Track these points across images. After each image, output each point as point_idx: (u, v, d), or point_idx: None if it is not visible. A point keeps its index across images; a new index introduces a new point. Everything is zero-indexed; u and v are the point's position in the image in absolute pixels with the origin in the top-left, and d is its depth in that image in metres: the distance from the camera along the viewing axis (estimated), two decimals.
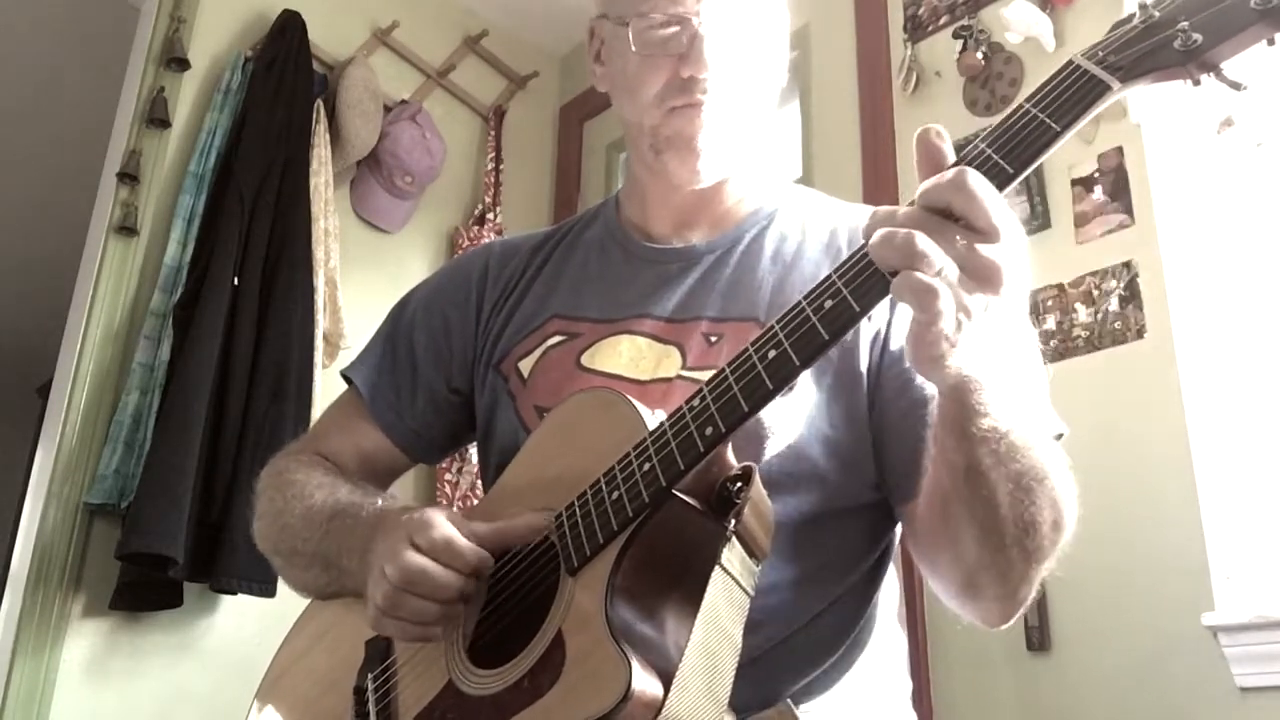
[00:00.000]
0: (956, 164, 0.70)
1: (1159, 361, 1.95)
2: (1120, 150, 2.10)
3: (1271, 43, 0.67)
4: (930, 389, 0.93)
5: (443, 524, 0.86)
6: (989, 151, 0.71)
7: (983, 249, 0.68)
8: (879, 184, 2.49)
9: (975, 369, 0.74)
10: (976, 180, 0.68)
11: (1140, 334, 1.99)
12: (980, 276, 0.68)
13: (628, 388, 0.97)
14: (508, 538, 0.88)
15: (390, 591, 0.84)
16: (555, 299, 1.12)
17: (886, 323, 0.98)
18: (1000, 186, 0.70)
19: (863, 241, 0.74)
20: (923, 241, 0.67)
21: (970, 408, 0.76)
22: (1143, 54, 0.70)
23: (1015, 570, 0.83)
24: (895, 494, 0.96)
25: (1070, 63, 0.71)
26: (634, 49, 1.03)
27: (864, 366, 0.97)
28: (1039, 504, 0.80)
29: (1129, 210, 2.07)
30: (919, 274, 0.67)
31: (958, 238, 0.68)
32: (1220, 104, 2.01)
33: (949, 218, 0.68)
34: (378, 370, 1.19)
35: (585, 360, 1.04)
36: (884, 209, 0.72)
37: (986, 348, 0.73)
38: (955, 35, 2.45)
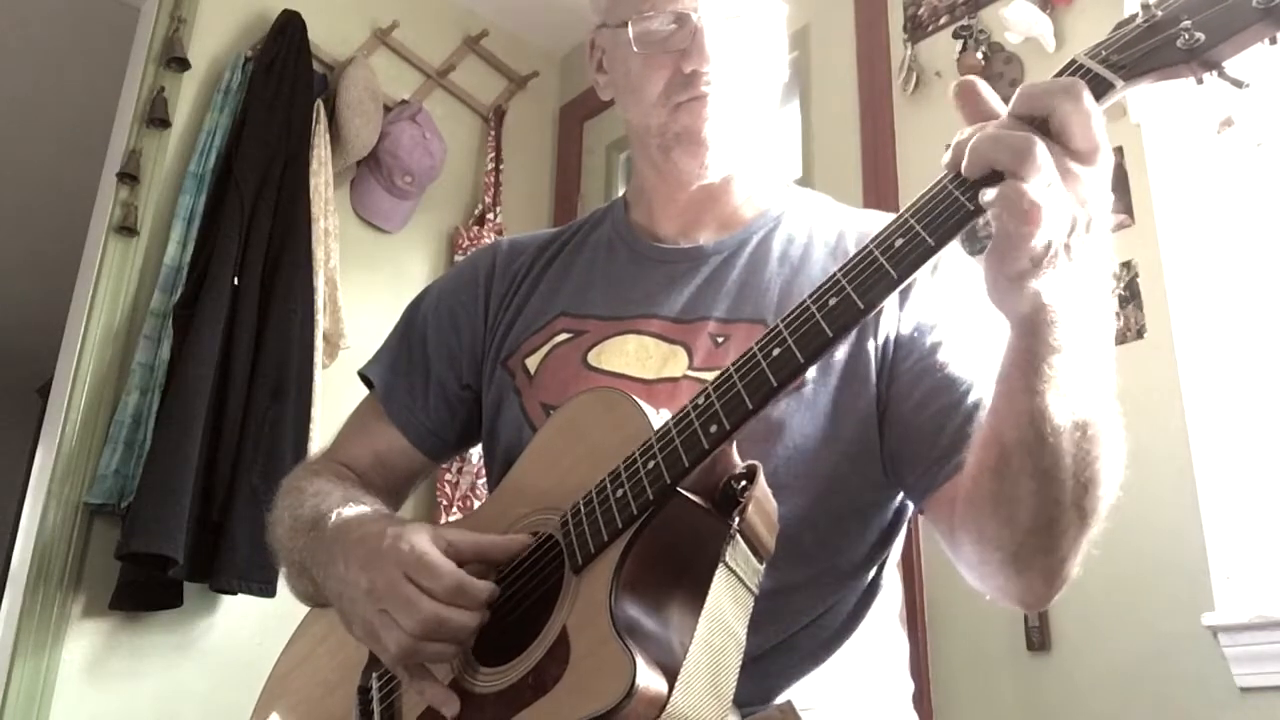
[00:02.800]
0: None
1: (1159, 361, 1.95)
2: (1120, 150, 2.10)
3: (1273, 41, 0.68)
4: (952, 371, 0.93)
5: (448, 566, 0.83)
6: None
7: (1079, 170, 0.66)
8: (879, 184, 2.50)
9: (1054, 299, 0.70)
10: (1088, 93, 0.67)
11: (1140, 334, 1.99)
12: (1076, 199, 0.66)
13: (634, 387, 0.98)
14: (490, 555, 0.87)
15: (408, 643, 0.82)
16: (562, 297, 1.12)
17: (897, 319, 0.98)
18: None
19: (867, 244, 0.74)
20: (1041, 152, 0.64)
21: (1045, 342, 0.72)
22: (1146, 53, 0.70)
23: (1069, 535, 0.80)
24: (918, 487, 0.95)
25: (1073, 61, 0.71)
26: (635, 49, 1.04)
27: (873, 369, 0.96)
28: (1101, 459, 0.78)
29: (1129, 210, 2.07)
30: (1026, 184, 0.64)
31: (1056, 153, 0.66)
32: (1220, 104, 2.01)
33: (1044, 131, 0.66)
34: (393, 369, 1.19)
35: (592, 359, 1.04)
36: (975, 126, 0.69)
37: (1068, 280, 0.69)
38: (955, 35, 2.45)
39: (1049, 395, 0.74)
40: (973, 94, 0.71)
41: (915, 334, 0.97)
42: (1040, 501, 0.79)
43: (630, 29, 1.03)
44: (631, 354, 1.02)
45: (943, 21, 2.52)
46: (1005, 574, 0.86)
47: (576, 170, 3.45)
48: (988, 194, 0.67)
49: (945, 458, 0.91)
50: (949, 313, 0.98)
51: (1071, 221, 0.67)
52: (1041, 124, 0.67)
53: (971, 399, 0.92)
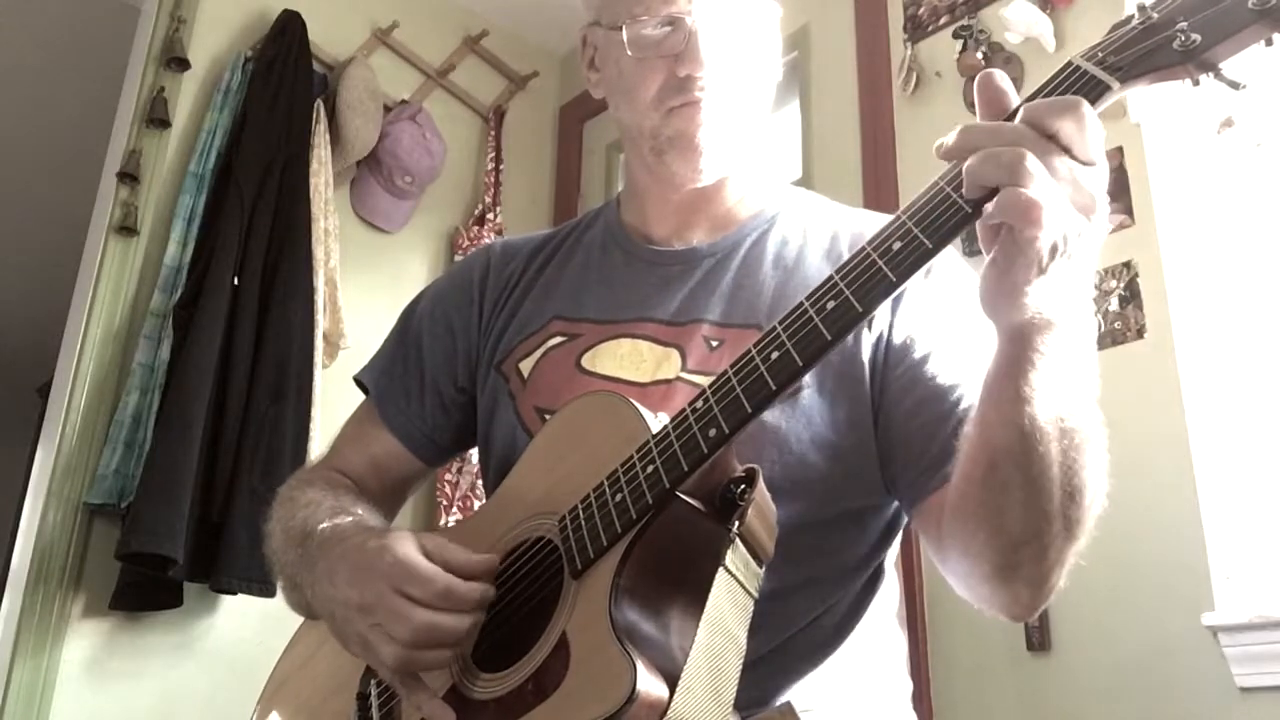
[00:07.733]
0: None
1: (1159, 361, 1.95)
2: (1120, 150, 2.10)
3: (1269, 43, 0.68)
4: (943, 380, 0.93)
5: (435, 572, 0.82)
6: None
7: (1083, 178, 0.67)
8: (879, 184, 2.49)
9: (1047, 306, 0.71)
10: (1089, 109, 0.68)
11: (1140, 334, 1.99)
12: (1080, 206, 0.67)
13: (628, 390, 0.97)
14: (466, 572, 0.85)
15: (403, 654, 0.81)
16: (556, 300, 1.12)
17: (889, 324, 0.97)
18: None
19: (864, 244, 0.74)
20: (1032, 161, 0.66)
21: (1035, 349, 0.73)
22: (1142, 54, 0.70)
23: (1055, 545, 0.81)
24: (910, 493, 0.95)
25: (1070, 64, 0.71)
26: (629, 52, 1.03)
27: (866, 371, 0.96)
28: (1087, 468, 0.78)
29: (1129, 210, 2.07)
30: (1025, 190, 0.65)
31: (1060, 162, 0.67)
32: (1220, 104, 2.01)
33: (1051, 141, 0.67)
34: (388, 374, 1.19)
35: (585, 362, 1.04)
36: (981, 124, 0.70)
37: (1062, 285, 0.70)
38: (955, 35, 2.45)
39: (1037, 403, 0.74)
40: (994, 89, 0.71)
41: (908, 341, 0.96)
42: (1028, 511, 0.79)
43: (624, 32, 1.02)
44: (625, 357, 1.02)
45: (943, 21, 2.52)
46: (992, 584, 0.86)
47: (576, 170, 3.45)
48: (988, 207, 0.68)
49: (934, 468, 0.90)
50: (942, 319, 0.97)
51: (1070, 224, 0.67)
52: (1050, 135, 0.67)
53: (961, 409, 0.91)
